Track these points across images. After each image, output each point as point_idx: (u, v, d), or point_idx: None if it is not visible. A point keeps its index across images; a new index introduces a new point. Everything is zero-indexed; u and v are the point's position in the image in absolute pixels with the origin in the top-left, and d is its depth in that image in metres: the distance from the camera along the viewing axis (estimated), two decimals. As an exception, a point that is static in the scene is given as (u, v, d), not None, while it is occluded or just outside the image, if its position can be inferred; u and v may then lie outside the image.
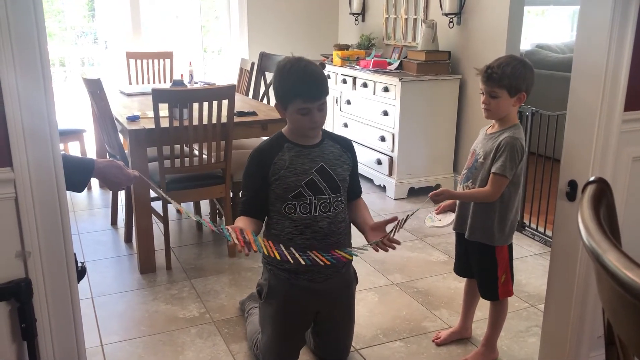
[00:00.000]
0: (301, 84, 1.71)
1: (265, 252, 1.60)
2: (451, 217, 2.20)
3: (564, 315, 1.95)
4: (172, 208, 3.91)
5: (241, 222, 1.78)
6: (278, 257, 1.60)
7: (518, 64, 2.04)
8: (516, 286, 2.30)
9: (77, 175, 1.81)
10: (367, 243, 1.81)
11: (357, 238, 1.95)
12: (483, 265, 2.20)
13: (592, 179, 1.04)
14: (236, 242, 1.55)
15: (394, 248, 1.76)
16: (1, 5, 1.33)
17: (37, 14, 1.39)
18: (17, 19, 1.36)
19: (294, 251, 1.63)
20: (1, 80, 1.37)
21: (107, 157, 3.59)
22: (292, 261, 1.61)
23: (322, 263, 1.67)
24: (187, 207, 4.01)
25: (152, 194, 3.14)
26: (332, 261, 1.70)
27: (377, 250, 1.79)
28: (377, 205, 4.10)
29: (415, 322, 2.60)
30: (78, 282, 1.60)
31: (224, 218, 3.34)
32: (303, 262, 1.62)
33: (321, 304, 1.92)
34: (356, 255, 1.75)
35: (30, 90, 1.40)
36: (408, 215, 1.81)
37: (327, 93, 1.76)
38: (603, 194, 1.01)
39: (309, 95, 1.71)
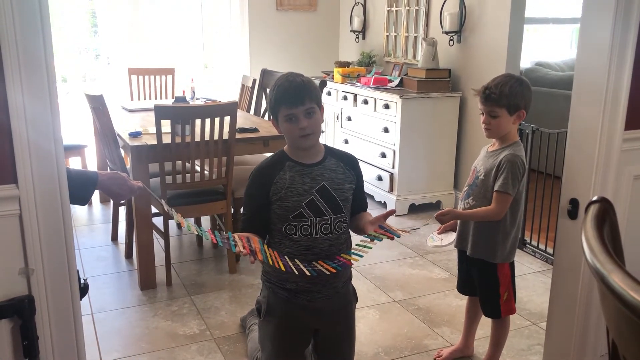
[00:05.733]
0: (283, 91, 1.73)
1: (270, 263, 1.59)
2: (452, 236, 2.21)
3: (566, 333, 1.94)
4: (172, 224, 3.91)
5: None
6: (283, 269, 1.59)
7: (515, 83, 2.06)
8: (517, 304, 2.30)
9: (81, 189, 1.81)
10: (364, 237, 1.75)
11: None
12: (485, 283, 2.20)
13: (594, 198, 1.05)
14: (242, 250, 1.54)
15: (392, 239, 1.72)
16: (9, 23, 1.35)
17: (45, 32, 1.40)
18: (25, 36, 1.37)
19: (298, 263, 1.61)
20: (8, 97, 1.38)
21: (109, 170, 3.60)
22: (296, 272, 1.59)
23: (328, 272, 1.64)
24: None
25: (153, 209, 3.14)
26: (339, 268, 1.68)
27: (372, 240, 1.71)
28: (377, 221, 4.09)
29: (417, 339, 2.59)
30: (80, 299, 1.60)
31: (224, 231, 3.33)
32: (308, 274, 1.60)
33: (320, 322, 1.90)
34: (361, 256, 1.70)
35: (37, 107, 1.41)
36: (415, 228, 1.82)
37: (312, 98, 1.73)
38: (606, 214, 1.01)
39: (290, 101, 1.71)
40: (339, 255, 1.74)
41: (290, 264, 1.60)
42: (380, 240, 1.71)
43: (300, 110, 1.71)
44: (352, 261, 1.71)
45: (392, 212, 1.80)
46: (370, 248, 1.71)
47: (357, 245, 1.72)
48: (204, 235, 1.62)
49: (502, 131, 2.10)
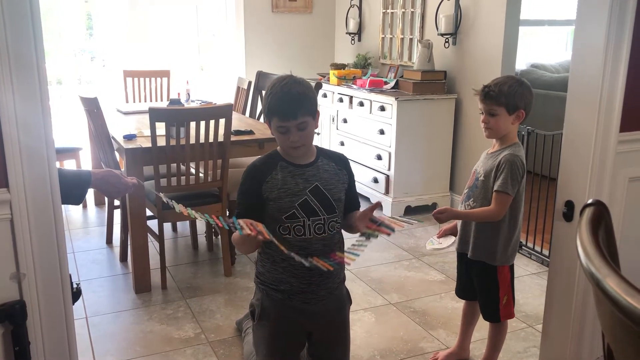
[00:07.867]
0: (277, 102, 1.71)
1: (277, 244, 1.61)
2: (451, 239, 2.20)
3: (562, 335, 1.94)
4: (167, 226, 3.90)
5: (237, 235, 1.78)
6: (285, 252, 1.62)
7: (515, 83, 2.07)
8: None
9: (75, 188, 1.80)
10: (359, 236, 1.76)
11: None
12: (485, 286, 2.19)
13: (590, 201, 1.04)
14: (248, 231, 1.56)
15: (388, 234, 1.72)
16: (0, 25, 1.33)
17: (36, 35, 1.39)
18: (16, 39, 1.36)
19: (294, 255, 1.64)
20: (-2, 101, 1.37)
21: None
22: (296, 259, 1.62)
23: (325, 269, 1.64)
24: (183, 225, 4.00)
25: (148, 212, 3.12)
26: (335, 266, 1.68)
27: (368, 238, 1.72)
28: (373, 223, 4.09)
29: (413, 342, 2.58)
30: (73, 304, 1.58)
31: (220, 234, 3.31)
32: (307, 264, 1.62)
33: (314, 325, 1.89)
34: (358, 255, 1.70)
35: (28, 109, 1.40)
36: (410, 222, 1.83)
37: (306, 112, 1.71)
38: (601, 217, 1.01)
39: (283, 114, 1.70)
40: (334, 254, 1.73)
41: (293, 254, 1.63)
42: (376, 237, 1.71)
43: (292, 124, 1.70)
44: (349, 260, 1.70)
45: (377, 206, 1.79)
46: (366, 246, 1.71)
47: (352, 245, 1.71)
48: (210, 219, 1.61)
49: (501, 131, 2.09)
